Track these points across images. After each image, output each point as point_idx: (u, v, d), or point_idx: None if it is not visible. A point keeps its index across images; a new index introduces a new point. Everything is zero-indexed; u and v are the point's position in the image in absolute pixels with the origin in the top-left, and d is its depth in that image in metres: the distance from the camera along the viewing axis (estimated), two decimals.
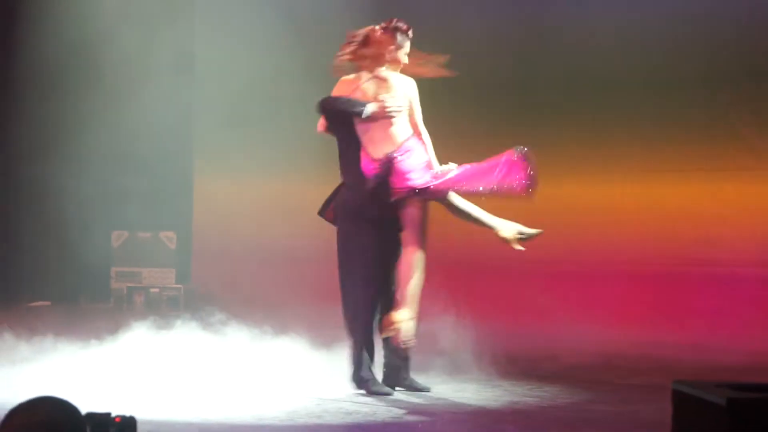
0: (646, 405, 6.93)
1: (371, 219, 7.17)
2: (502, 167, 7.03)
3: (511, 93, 11.51)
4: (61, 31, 11.90)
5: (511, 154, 7.05)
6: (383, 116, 7.15)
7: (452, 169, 7.16)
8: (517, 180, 6.99)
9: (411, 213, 7.12)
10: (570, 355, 8.95)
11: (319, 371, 7.44)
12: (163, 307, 9.67)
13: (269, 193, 12.26)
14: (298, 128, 9.87)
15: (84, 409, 3.44)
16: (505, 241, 7.23)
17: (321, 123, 7.44)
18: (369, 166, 7.17)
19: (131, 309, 11.33)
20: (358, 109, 7.15)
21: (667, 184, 10.82)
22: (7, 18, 12.04)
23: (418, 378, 7.42)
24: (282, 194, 12.07)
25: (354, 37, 7.37)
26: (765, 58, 10.46)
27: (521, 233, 7.23)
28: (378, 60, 7.32)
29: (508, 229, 7.25)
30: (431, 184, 7.11)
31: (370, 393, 7.14)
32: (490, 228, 7.26)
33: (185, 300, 11.78)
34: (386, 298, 7.20)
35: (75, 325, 8.72)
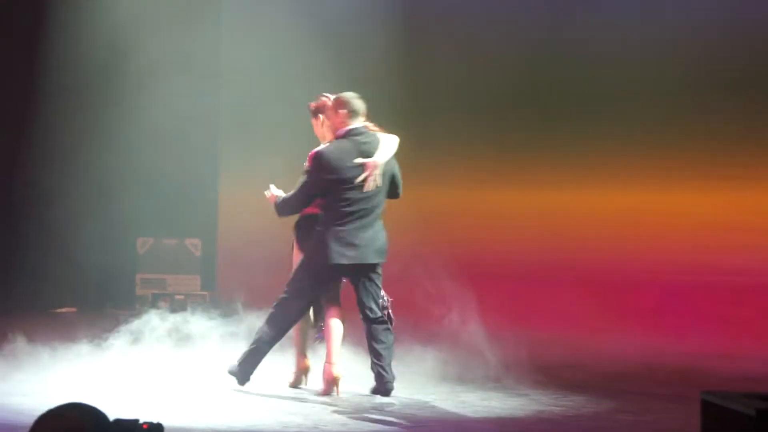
0: (671, 414, 6.91)
1: None
2: None
3: (531, 101, 11.50)
4: (86, 38, 11.95)
5: None
6: None
7: None
8: None
9: None
10: (596, 364, 8.92)
11: (342, 379, 7.42)
12: (188, 314, 9.66)
13: None
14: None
15: (111, 416, 3.45)
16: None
17: None
18: None
19: (156, 315, 11.34)
20: None
21: (693, 193, 10.78)
22: (34, 24, 12.09)
23: (451, 386, 7.41)
24: None
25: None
26: None
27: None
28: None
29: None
30: None
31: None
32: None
33: (210, 307, 11.79)
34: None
35: (100, 332, 8.74)
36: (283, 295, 7.40)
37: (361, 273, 7.29)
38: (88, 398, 3.51)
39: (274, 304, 7.43)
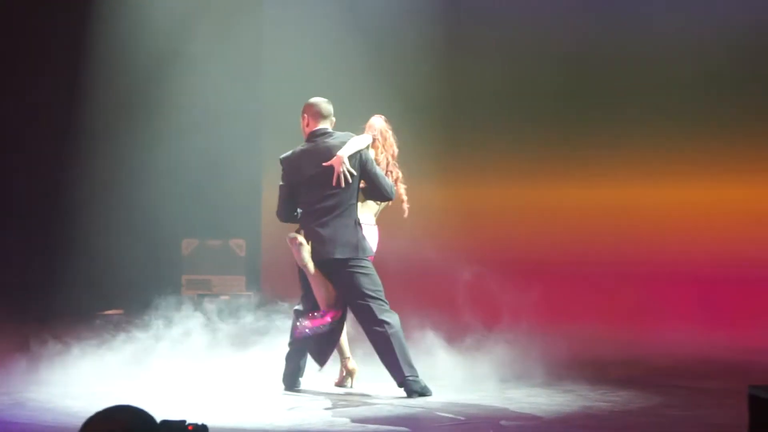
0: (720, 409, 6.86)
1: None
2: None
3: (562, 100, 11.48)
4: (132, 43, 12.05)
5: None
6: None
7: None
8: None
9: None
10: (642, 359, 8.87)
11: (386, 376, 7.42)
12: (233, 315, 9.70)
13: None
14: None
15: (158, 417, 3.47)
16: None
17: None
18: None
19: (202, 316, 11.39)
20: None
21: (744, 186, 10.71)
22: (81, 32, 12.19)
23: (497, 384, 7.47)
24: None
25: None
26: None
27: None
28: None
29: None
30: None
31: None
32: None
33: (255, 307, 11.82)
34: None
35: (146, 333, 8.80)
36: (301, 293, 7.49)
37: (334, 269, 7.30)
38: (135, 400, 3.54)
39: (297, 303, 7.54)
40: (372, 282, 7.30)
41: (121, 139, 12.33)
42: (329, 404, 7.06)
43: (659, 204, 11.02)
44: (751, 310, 10.33)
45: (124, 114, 12.36)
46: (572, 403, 7.08)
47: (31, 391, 7.27)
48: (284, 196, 7.50)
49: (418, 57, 11.73)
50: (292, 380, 7.54)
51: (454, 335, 8.30)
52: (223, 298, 11.87)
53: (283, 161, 7.50)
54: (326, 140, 7.38)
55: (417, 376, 7.22)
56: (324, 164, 7.29)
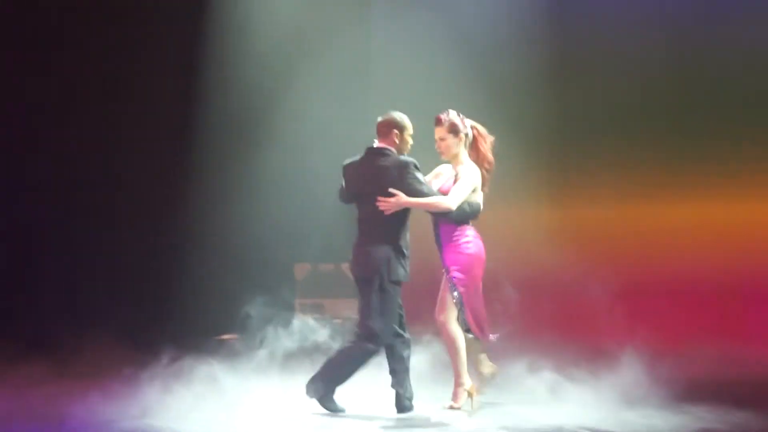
0: None
1: None
2: None
3: (686, 113, 11.37)
4: (241, 61, 12.25)
5: None
6: None
7: None
8: None
9: None
10: (761, 377, 8.73)
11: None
12: (347, 339, 9.75)
13: None
14: None
15: None
16: None
17: None
18: None
19: (315, 341, 11.47)
20: None
21: None
22: (191, 55, 12.39)
23: (612, 405, 7.43)
24: None
25: None
26: None
27: None
28: None
29: None
30: None
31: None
32: None
33: None
34: None
35: (262, 358, 8.90)
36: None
37: (359, 286, 7.62)
38: (251, 427, 3.60)
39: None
40: (381, 303, 7.54)
41: (231, 164, 12.49)
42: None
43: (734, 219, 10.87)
44: None
45: (236, 137, 12.52)
46: (690, 424, 7.00)
47: (151, 416, 7.36)
48: (340, 197, 8.01)
49: (522, 78, 11.71)
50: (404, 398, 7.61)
51: (570, 355, 8.26)
52: (336, 321, 11.95)
53: (342, 168, 7.88)
54: (373, 158, 7.69)
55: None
56: (384, 191, 7.54)
